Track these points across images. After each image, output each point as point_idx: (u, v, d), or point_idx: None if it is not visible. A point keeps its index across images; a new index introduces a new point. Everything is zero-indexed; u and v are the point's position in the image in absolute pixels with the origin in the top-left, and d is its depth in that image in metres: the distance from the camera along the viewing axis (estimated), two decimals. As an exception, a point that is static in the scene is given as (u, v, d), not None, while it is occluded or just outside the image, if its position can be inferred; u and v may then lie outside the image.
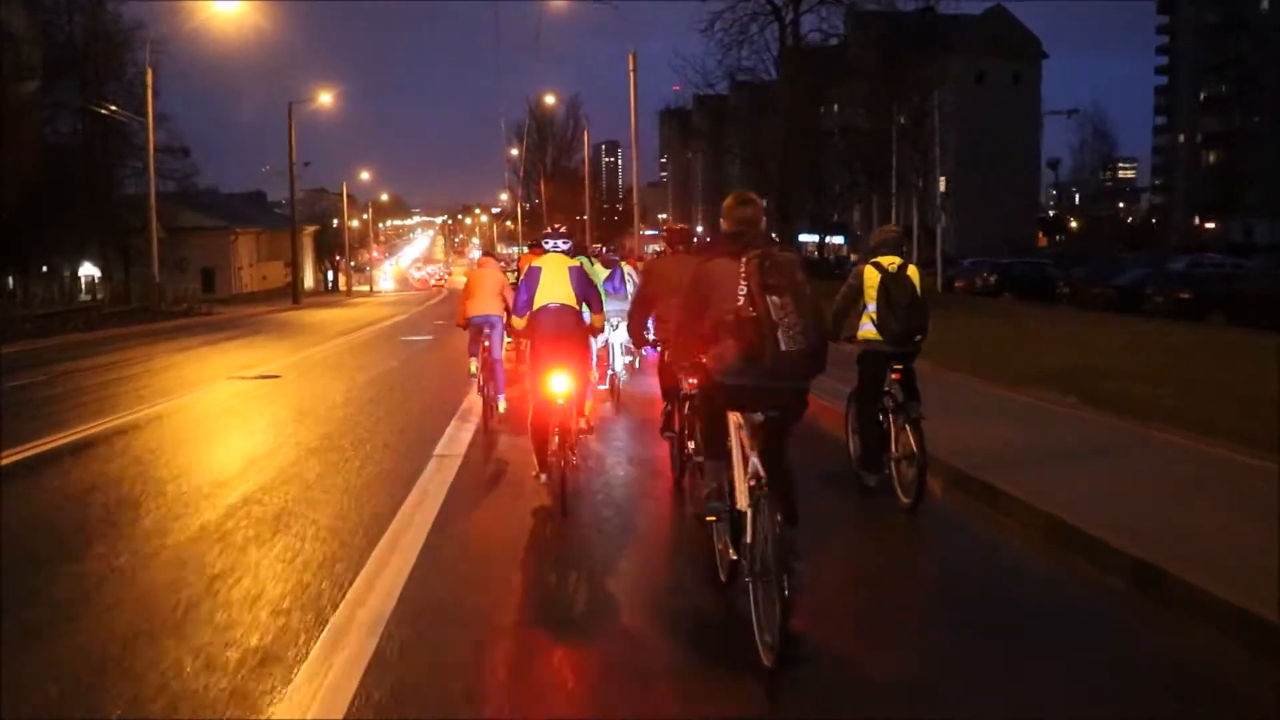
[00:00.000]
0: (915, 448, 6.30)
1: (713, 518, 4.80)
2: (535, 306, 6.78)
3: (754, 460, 4.37)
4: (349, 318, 32.69)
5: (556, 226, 7.38)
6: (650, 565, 5.67)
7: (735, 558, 4.56)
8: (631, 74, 26.85)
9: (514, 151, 77.64)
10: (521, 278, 7.11)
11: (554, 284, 6.80)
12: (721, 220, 4.79)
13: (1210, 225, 67.20)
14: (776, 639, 3.87)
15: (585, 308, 6.97)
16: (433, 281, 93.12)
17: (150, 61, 32.31)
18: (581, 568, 5.53)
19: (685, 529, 6.20)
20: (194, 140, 72.30)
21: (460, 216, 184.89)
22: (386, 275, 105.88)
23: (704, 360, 4.54)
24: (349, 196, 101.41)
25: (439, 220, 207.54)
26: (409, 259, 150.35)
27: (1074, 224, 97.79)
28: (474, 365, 10.20)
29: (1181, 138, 74.46)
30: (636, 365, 12.88)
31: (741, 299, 4.26)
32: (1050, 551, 5.64)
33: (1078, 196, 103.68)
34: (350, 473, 7.80)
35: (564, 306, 6.76)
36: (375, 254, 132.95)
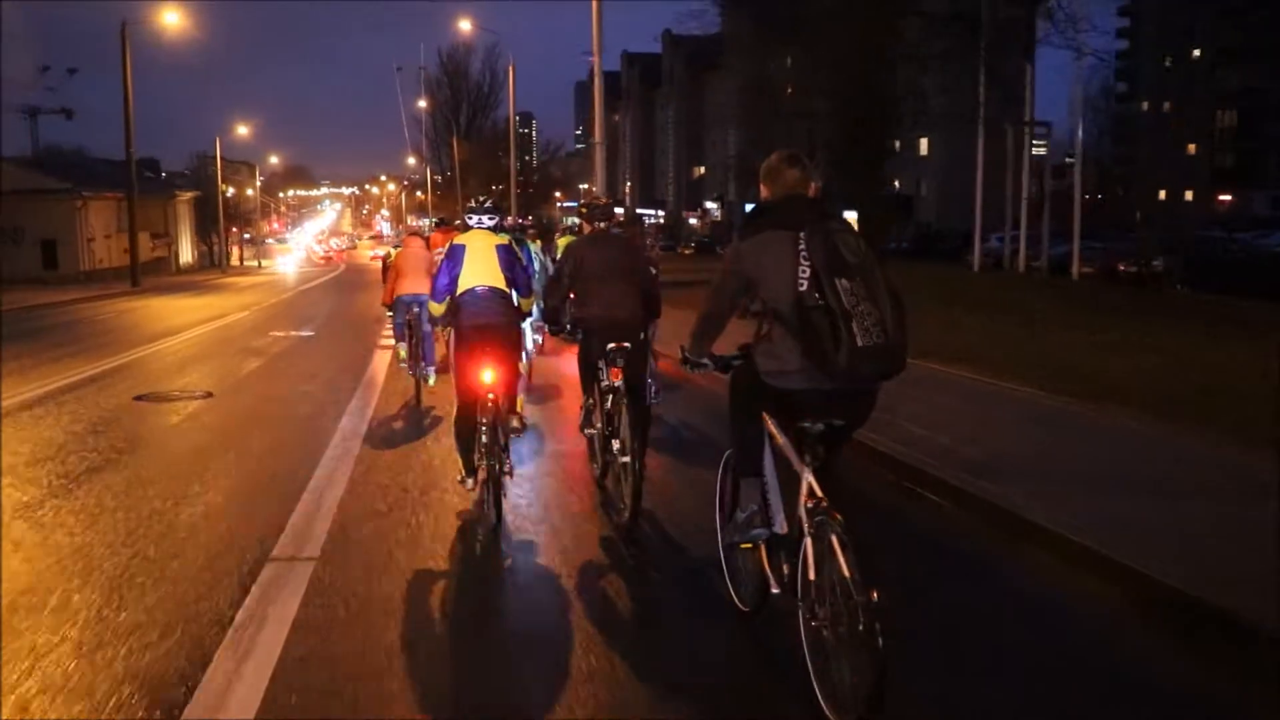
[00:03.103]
0: None
1: (748, 545, 4.00)
2: (460, 290, 6.06)
3: (808, 477, 3.67)
4: (161, 318, 22.85)
5: (481, 199, 6.68)
6: (646, 595, 4.83)
7: (777, 590, 3.91)
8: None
9: (421, 103, 68.25)
10: (443, 257, 6.30)
11: (481, 264, 6.09)
12: (762, 186, 3.90)
13: (1226, 197, 61.45)
14: (862, 703, 3.14)
15: (514, 291, 6.26)
16: (321, 254, 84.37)
17: None
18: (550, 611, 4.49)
19: (639, 544, 5.49)
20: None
21: (368, 187, 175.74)
22: (290, 248, 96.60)
23: (742, 355, 3.98)
24: (246, 165, 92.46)
25: (347, 192, 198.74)
26: (313, 231, 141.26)
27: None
28: (403, 350, 10.37)
29: (1146, 105, 70.00)
30: (541, 342, 12.16)
31: (803, 284, 3.49)
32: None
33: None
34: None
35: (493, 289, 6.08)
36: (275, 225, 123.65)
